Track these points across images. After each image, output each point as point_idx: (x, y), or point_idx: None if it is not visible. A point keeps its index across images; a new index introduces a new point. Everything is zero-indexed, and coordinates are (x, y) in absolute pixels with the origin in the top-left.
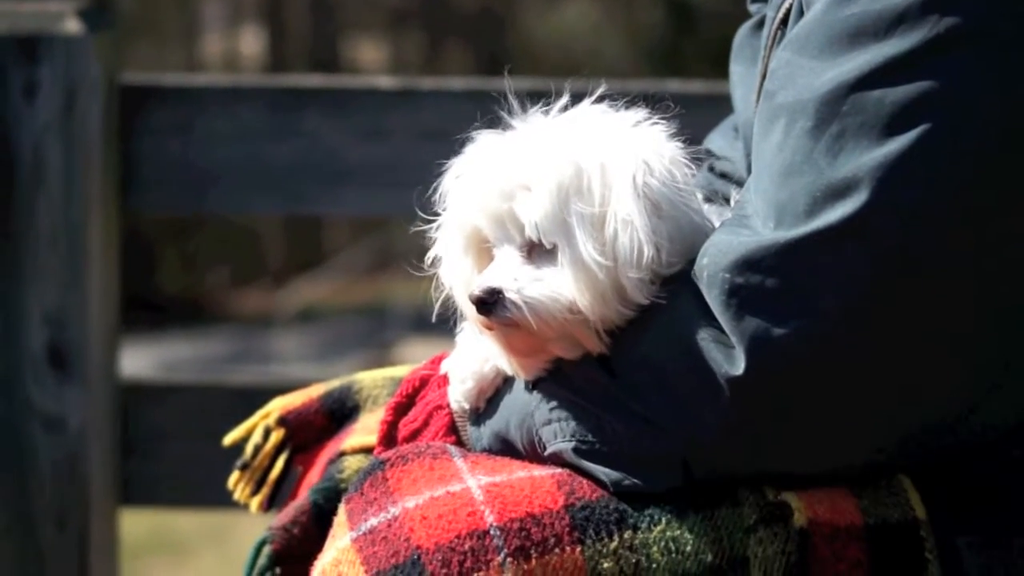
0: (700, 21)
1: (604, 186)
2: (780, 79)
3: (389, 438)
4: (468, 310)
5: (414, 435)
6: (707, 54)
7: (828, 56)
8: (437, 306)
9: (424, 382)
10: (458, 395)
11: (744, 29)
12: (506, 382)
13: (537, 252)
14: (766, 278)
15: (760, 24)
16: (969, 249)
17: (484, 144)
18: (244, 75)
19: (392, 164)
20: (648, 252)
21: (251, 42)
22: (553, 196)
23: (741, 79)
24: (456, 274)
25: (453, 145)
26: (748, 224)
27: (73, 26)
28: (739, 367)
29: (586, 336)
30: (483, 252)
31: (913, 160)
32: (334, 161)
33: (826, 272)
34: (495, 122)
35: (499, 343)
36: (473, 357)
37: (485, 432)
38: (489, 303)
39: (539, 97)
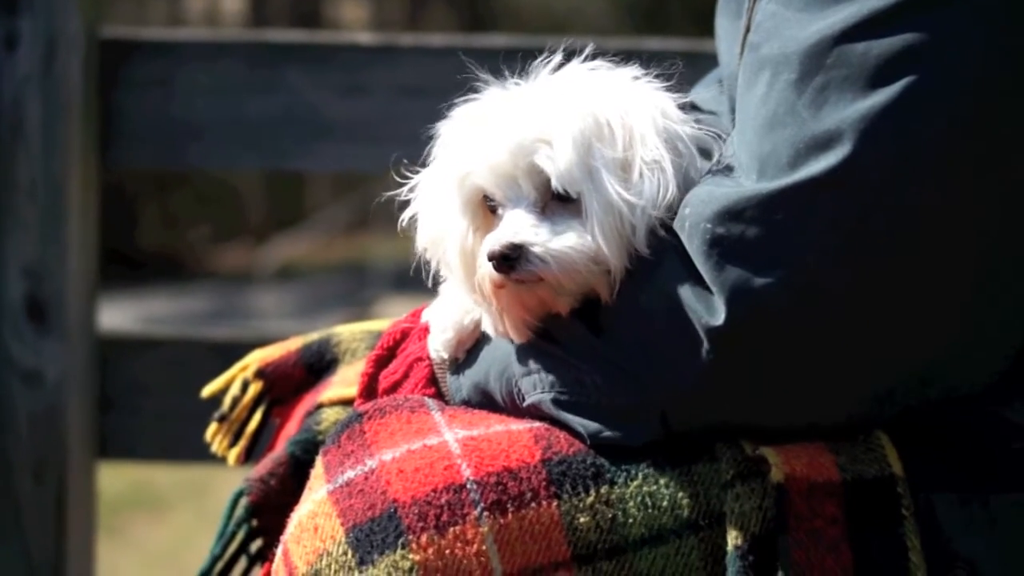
0: None
1: (626, 131)
2: (765, 31)
3: (369, 390)
4: (470, 268)
5: (394, 387)
6: (690, 12)
7: (814, 8)
8: (416, 264)
9: (405, 335)
10: (438, 345)
11: None
12: (485, 333)
13: (551, 208)
14: (747, 228)
15: None
16: (951, 202)
17: (479, 104)
18: (224, 30)
19: (372, 120)
20: (672, 191)
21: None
22: (577, 145)
23: (726, 32)
24: (450, 234)
25: (432, 102)
26: (731, 175)
27: None
28: (719, 317)
29: (603, 287)
30: (480, 212)
31: (896, 113)
32: (314, 117)
33: (807, 223)
34: (475, 79)
35: (508, 302)
36: (454, 308)
37: (464, 383)
38: (512, 259)
39: (519, 55)
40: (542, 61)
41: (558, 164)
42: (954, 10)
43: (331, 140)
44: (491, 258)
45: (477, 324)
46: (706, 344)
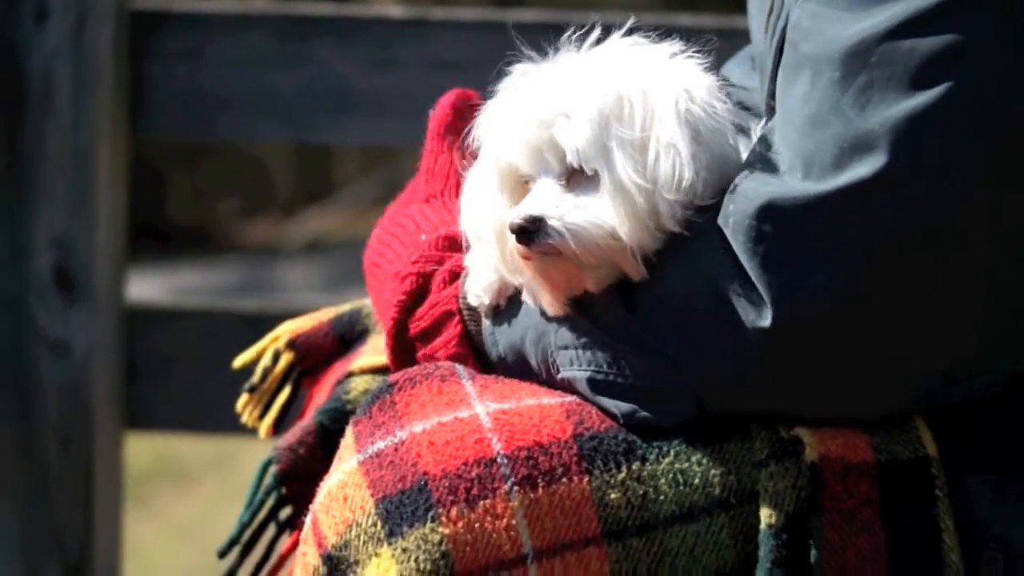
0: None
1: (646, 111)
2: (805, 29)
3: (399, 336)
4: (503, 242)
5: (424, 335)
6: None
7: (857, 7)
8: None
9: (429, 277)
10: (479, 289)
11: None
12: (516, 292)
13: (576, 181)
14: (793, 228)
15: None
16: (996, 203)
17: (514, 80)
18: (254, 2)
19: (401, 94)
20: (688, 176)
21: None
22: (594, 122)
23: (757, 11)
24: (488, 210)
25: (463, 76)
26: (775, 172)
27: None
28: (766, 317)
29: (627, 263)
30: (517, 188)
31: (941, 113)
32: (343, 90)
33: (854, 226)
34: (507, 54)
35: (536, 275)
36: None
37: (501, 339)
38: (531, 231)
39: (550, 29)
40: (575, 35)
41: (574, 139)
42: (999, 8)
43: (360, 114)
44: (512, 230)
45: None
46: (751, 341)
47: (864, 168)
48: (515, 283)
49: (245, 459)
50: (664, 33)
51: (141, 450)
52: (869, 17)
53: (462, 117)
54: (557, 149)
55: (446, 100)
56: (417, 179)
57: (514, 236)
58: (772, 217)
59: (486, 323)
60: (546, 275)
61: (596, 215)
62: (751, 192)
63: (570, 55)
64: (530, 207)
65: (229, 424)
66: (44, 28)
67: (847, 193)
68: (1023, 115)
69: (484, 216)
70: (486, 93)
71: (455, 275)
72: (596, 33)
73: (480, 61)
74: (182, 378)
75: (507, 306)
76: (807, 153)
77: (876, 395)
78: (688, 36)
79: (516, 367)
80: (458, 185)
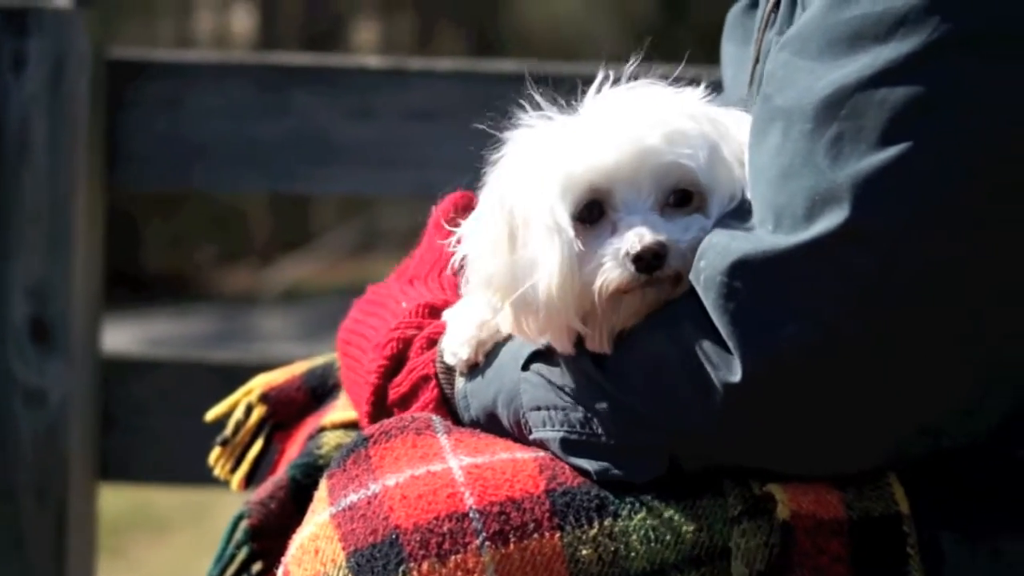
0: (693, 4)
1: (740, 133)
2: (778, 81)
3: (378, 401)
4: (567, 282)
5: (402, 400)
6: (698, 37)
7: (828, 58)
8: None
9: (407, 343)
10: (457, 345)
11: (736, 9)
12: (491, 355)
13: (667, 212)
14: (763, 283)
15: (754, 4)
16: (966, 256)
17: (532, 131)
18: (234, 52)
19: (380, 143)
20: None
21: (243, 20)
22: (708, 141)
23: (732, 59)
24: (550, 249)
25: (441, 125)
26: (745, 226)
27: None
28: (736, 373)
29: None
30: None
31: (910, 166)
32: (322, 140)
33: (824, 278)
34: (485, 103)
35: (631, 305)
36: (477, 311)
37: (472, 403)
38: (662, 256)
39: (528, 80)
40: (601, 83)
41: (699, 160)
42: (969, 60)
43: (339, 163)
44: (639, 258)
45: (495, 332)
46: (722, 397)
47: (834, 219)
48: (492, 324)
49: (220, 509)
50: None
51: (116, 499)
52: (840, 68)
53: (462, 214)
54: (659, 178)
55: (450, 197)
56: (405, 263)
57: (632, 265)
58: (743, 274)
59: (459, 385)
60: (645, 304)
61: (702, 235)
62: (721, 247)
63: (610, 97)
64: (652, 234)
65: (203, 475)
66: (21, 77)
67: (817, 245)
68: (1003, 170)
69: (544, 257)
70: (464, 142)
71: (433, 341)
72: (625, 78)
73: (457, 110)
74: (156, 428)
75: (482, 365)
76: (778, 206)
77: (849, 450)
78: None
79: (490, 429)
80: (443, 271)
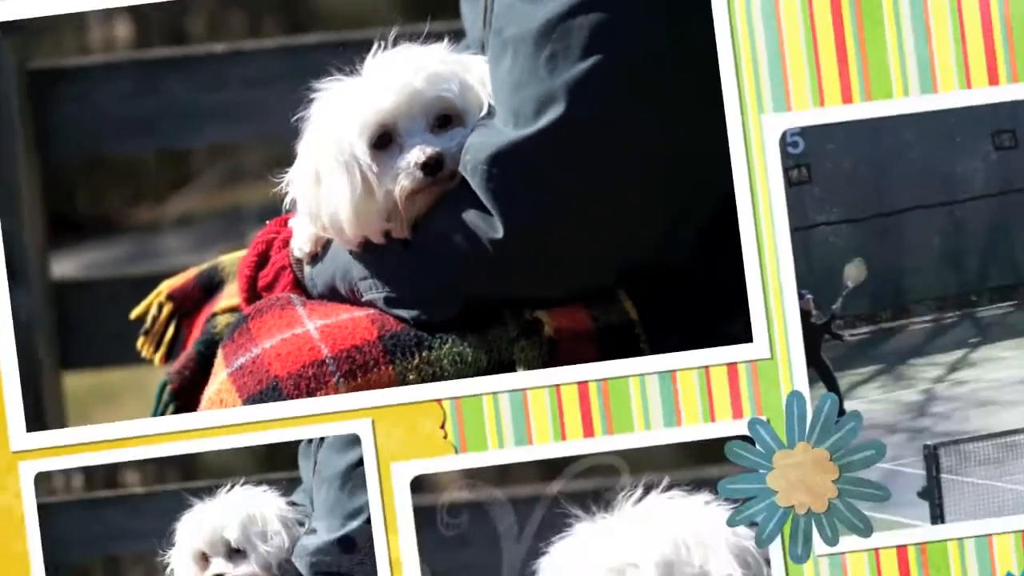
0: None
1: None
2: (505, 18)
3: (250, 288)
4: (364, 194)
5: (268, 287)
6: None
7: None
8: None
9: (269, 244)
10: (302, 242)
11: None
12: (328, 247)
13: (437, 131)
14: (511, 165)
15: None
16: (655, 137)
17: (347, 85)
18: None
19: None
20: None
21: None
22: (456, 78)
23: (468, 12)
24: (343, 174)
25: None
26: (494, 127)
27: None
28: (499, 231)
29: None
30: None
31: (601, 73)
32: (188, 108)
33: (552, 158)
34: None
35: (421, 204)
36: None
37: (318, 280)
38: (441, 162)
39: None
40: (376, 48)
41: (453, 91)
42: None
43: (207, 123)
44: (425, 165)
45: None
46: (490, 250)
47: (554, 114)
48: (329, 234)
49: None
50: (414, 37)
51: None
52: (547, 5)
53: None
54: (427, 108)
55: None
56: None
57: (420, 171)
58: (496, 160)
59: (307, 271)
60: (427, 201)
61: (464, 142)
62: (480, 144)
63: (386, 56)
64: (429, 148)
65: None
66: None
67: (544, 132)
68: (662, 79)
69: (338, 180)
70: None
71: (286, 242)
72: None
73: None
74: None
75: (321, 255)
76: (514, 109)
77: (586, 276)
78: (434, 37)
79: (332, 299)
80: None
